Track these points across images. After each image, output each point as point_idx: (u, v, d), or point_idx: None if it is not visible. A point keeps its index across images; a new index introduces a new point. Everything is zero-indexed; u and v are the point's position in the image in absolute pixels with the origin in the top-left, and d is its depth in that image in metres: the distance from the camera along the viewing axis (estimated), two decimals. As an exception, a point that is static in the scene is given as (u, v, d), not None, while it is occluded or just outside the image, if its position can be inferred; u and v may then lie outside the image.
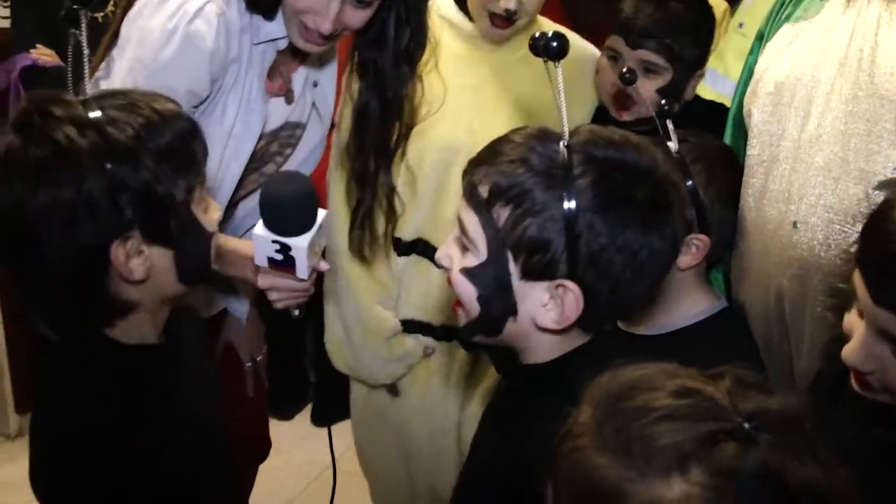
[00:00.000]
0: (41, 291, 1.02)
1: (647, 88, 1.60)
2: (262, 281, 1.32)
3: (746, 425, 0.64)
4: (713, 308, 1.37)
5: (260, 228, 1.22)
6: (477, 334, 1.01)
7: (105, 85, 1.37)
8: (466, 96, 1.59)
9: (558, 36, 0.93)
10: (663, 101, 1.31)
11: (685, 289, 1.36)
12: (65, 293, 1.00)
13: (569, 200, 0.89)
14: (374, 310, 1.68)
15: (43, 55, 2.62)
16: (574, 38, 1.66)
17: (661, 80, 1.62)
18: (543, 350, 0.99)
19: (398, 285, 1.69)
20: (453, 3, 1.64)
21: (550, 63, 0.94)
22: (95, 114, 0.94)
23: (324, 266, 1.33)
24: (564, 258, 0.91)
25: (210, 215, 1.06)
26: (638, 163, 0.92)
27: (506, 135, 0.97)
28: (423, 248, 1.65)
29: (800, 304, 1.26)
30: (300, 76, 1.58)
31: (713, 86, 1.96)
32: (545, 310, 0.94)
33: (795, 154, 1.25)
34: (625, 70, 1.36)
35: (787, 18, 1.35)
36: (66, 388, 1.04)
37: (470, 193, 0.95)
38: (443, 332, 1.69)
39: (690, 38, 1.61)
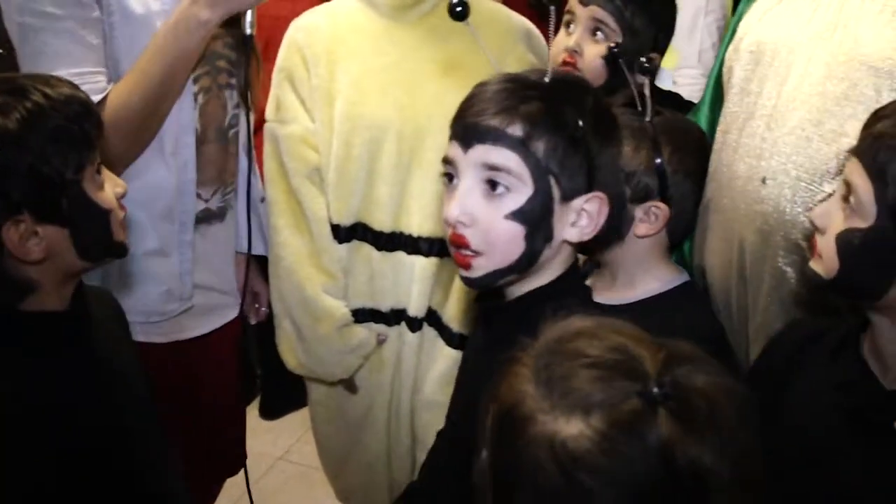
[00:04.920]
0: None
1: (593, 53, 1.54)
2: None
3: (655, 390, 0.68)
4: (674, 282, 1.37)
5: None
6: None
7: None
8: (390, 73, 1.56)
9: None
10: (613, 45, 1.37)
11: (647, 262, 1.35)
12: None
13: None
14: (321, 299, 1.62)
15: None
16: (497, 7, 1.67)
17: (607, 46, 1.53)
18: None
19: (344, 274, 1.63)
20: None
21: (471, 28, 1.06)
22: None
23: None
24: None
25: (107, 192, 1.08)
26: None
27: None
28: (363, 233, 1.61)
29: (760, 258, 1.27)
30: None
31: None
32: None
33: (771, 112, 1.27)
34: (612, 45, 1.39)
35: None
36: None
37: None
38: (393, 315, 1.64)
39: (642, 8, 1.54)
